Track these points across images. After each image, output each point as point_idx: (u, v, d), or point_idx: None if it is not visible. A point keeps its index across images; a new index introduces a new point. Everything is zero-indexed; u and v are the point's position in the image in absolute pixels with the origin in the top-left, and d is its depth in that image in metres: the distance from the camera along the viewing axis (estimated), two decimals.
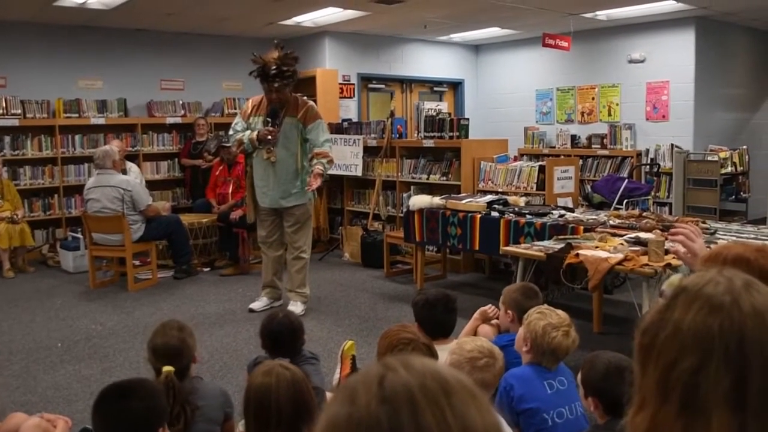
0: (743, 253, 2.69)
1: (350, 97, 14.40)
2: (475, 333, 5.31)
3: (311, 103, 8.79)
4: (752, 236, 6.82)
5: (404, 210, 9.99)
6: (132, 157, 12.59)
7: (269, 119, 8.34)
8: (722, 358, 1.43)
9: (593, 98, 14.27)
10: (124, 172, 11.09)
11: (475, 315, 5.50)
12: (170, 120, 13.39)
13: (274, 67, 8.19)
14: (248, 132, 8.42)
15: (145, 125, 13.17)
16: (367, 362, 5.40)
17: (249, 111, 8.65)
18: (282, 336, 4.62)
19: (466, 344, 3.89)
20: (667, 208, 12.52)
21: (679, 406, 1.46)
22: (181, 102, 13.65)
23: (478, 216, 8.52)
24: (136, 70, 13.36)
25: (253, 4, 11.18)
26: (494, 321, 5.35)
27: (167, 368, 3.86)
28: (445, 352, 4.07)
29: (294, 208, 8.53)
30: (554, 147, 14.55)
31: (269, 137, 8.25)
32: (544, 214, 8.20)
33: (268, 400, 3.32)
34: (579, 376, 3.66)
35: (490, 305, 5.48)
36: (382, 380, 1.17)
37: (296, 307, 8.37)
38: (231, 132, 8.76)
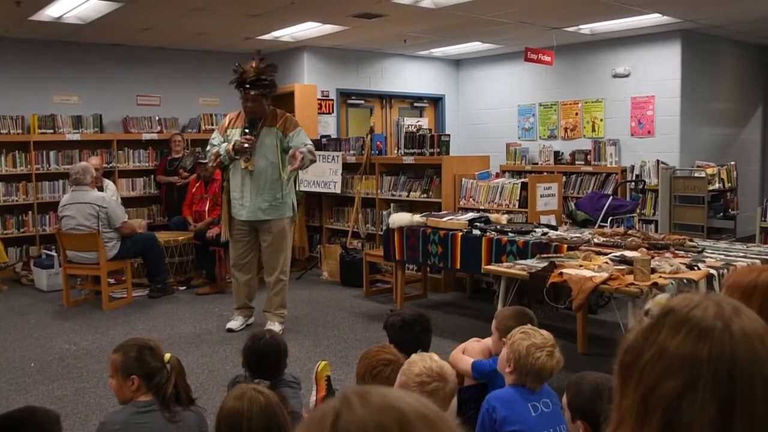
0: None
1: (329, 113, 14.37)
2: (463, 351, 5.24)
3: (289, 114, 8.82)
4: (741, 254, 6.84)
5: (384, 228, 9.98)
6: (107, 174, 12.53)
7: (247, 129, 8.37)
8: (710, 383, 1.42)
9: (577, 114, 14.29)
10: (101, 189, 11.05)
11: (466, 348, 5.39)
12: (146, 136, 13.35)
13: (252, 75, 8.29)
14: (225, 144, 8.44)
15: (120, 141, 13.12)
16: (345, 384, 5.37)
17: (226, 125, 8.69)
18: (267, 357, 4.59)
19: (414, 366, 3.73)
20: (653, 226, 12.50)
21: (660, 428, 1.45)
22: (157, 118, 13.61)
23: (460, 234, 8.51)
24: (112, 85, 13.33)
25: (231, 19, 11.17)
26: (485, 340, 5.28)
27: (168, 355, 4.00)
28: None
29: (272, 223, 8.48)
30: (537, 163, 14.53)
31: (246, 146, 8.25)
32: (527, 232, 8.20)
33: (239, 426, 3.29)
34: (564, 398, 3.59)
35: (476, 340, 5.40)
36: (336, 420, 1.17)
37: (274, 326, 8.35)
38: (208, 147, 8.77)
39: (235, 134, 8.45)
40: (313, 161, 8.58)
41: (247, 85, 8.33)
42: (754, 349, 1.45)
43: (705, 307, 1.51)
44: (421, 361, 3.71)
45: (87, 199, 10.01)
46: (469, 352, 5.15)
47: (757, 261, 6.46)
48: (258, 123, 8.41)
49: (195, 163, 11.80)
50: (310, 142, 8.68)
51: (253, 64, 8.39)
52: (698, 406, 1.42)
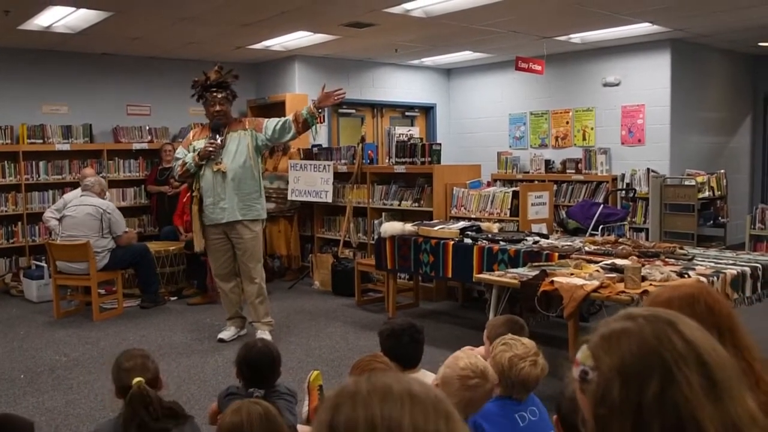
0: (692, 291, 2.86)
1: (320, 123, 14.36)
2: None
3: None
4: (731, 262, 6.85)
5: (375, 237, 9.98)
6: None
7: (212, 135, 8.42)
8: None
9: (567, 122, 14.33)
10: None
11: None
12: (136, 146, 13.33)
13: (215, 77, 8.42)
14: (190, 155, 8.46)
15: (111, 151, 13.10)
16: None
17: (191, 138, 8.74)
18: (261, 366, 4.55)
19: (460, 360, 3.80)
20: (643, 234, 12.55)
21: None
22: (147, 127, 13.60)
23: (451, 243, 8.52)
24: (102, 95, 13.32)
25: (221, 28, 11.19)
26: (477, 349, 5.28)
27: (137, 379, 3.84)
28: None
29: (247, 226, 8.48)
30: (528, 172, 14.58)
31: (211, 149, 8.28)
32: (518, 241, 8.21)
33: None
34: (555, 417, 3.54)
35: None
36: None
37: (264, 335, 8.35)
38: (173, 163, 8.82)
39: (201, 144, 8.45)
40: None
41: (213, 89, 8.41)
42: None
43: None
44: (467, 357, 3.80)
45: (93, 202, 10.14)
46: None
47: (747, 269, 6.49)
48: (222, 129, 8.45)
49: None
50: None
51: (216, 69, 8.50)
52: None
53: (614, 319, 1.74)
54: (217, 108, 8.41)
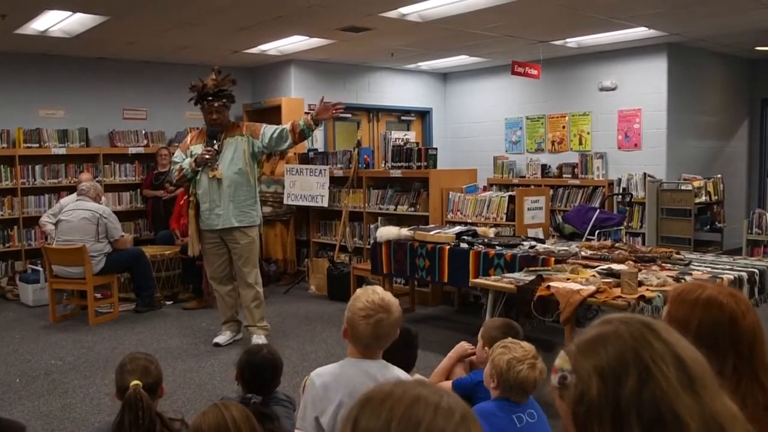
0: (716, 295, 2.78)
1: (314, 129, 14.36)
2: (449, 374, 5.26)
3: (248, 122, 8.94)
4: (728, 267, 6.85)
5: (371, 241, 9.99)
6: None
7: (209, 142, 8.43)
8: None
9: (564, 127, 14.34)
10: None
11: (451, 353, 5.42)
12: (133, 150, 13.34)
13: (212, 87, 8.39)
14: (187, 159, 8.47)
15: (107, 155, 13.11)
16: None
17: (188, 142, 8.75)
18: (264, 372, 4.53)
19: (357, 300, 3.75)
20: (640, 239, 12.56)
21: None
22: (143, 132, 13.60)
23: (447, 247, 8.53)
24: (98, 99, 13.32)
25: (217, 33, 11.19)
26: (468, 359, 5.29)
27: (135, 382, 3.83)
28: None
29: (243, 232, 8.49)
30: (524, 177, 14.59)
31: (207, 156, 8.30)
32: (515, 246, 8.22)
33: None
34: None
35: (467, 344, 5.42)
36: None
37: (260, 340, 8.33)
38: (171, 166, 8.83)
39: (198, 149, 8.47)
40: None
41: (210, 97, 8.40)
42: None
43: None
44: (364, 295, 3.74)
45: (88, 207, 10.14)
46: (453, 375, 5.18)
47: (744, 274, 6.49)
48: (219, 135, 8.46)
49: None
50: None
51: (213, 77, 8.45)
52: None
53: (591, 326, 1.76)
54: (214, 116, 8.41)
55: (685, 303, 2.81)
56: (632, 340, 1.64)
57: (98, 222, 10.02)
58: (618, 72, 13.47)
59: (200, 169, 8.39)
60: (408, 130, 15.50)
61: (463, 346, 5.36)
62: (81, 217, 10.03)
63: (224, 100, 8.46)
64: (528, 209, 9.77)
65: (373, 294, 3.76)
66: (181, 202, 11.62)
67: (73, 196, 10.74)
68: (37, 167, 12.48)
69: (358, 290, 3.89)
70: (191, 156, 8.46)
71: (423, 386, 1.52)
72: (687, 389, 1.58)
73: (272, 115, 13.09)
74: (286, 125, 8.48)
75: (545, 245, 8.37)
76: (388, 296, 3.79)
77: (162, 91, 13.91)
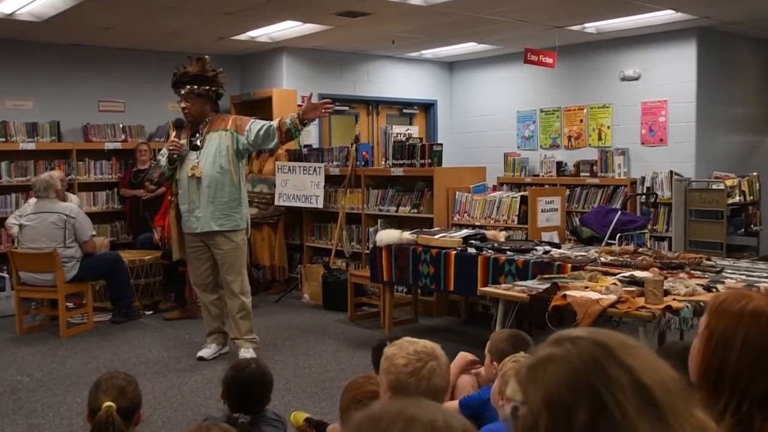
0: (764, 306, 2.67)
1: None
2: (453, 389, 5.21)
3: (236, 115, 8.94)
4: (764, 275, 6.79)
5: (370, 246, 9.97)
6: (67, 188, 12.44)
7: (192, 139, 8.44)
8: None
9: (581, 120, 14.30)
10: None
11: (451, 367, 5.37)
12: (109, 145, 13.28)
13: (184, 72, 8.38)
14: (166, 155, 8.46)
15: (80, 151, 13.05)
16: (328, 418, 5.32)
17: (173, 137, 8.71)
18: (253, 389, 4.50)
19: (397, 358, 3.48)
20: (666, 243, 12.49)
21: None
22: (121, 125, 13.55)
23: (453, 253, 8.51)
24: (71, 89, 13.27)
25: (202, 17, 11.16)
26: (474, 371, 5.25)
27: (108, 403, 3.77)
28: None
29: (226, 237, 8.45)
30: (538, 175, 14.56)
31: (170, 148, 8.32)
32: (527, 251, 8.20)
33: None
34: None
35: (469, 354, 5.37)
36: None
37: (249, 354, 8.30)
38: (150, 162, 8.81)
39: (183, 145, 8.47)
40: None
41: (178, 84, 8.41)
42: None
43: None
44: (401, 350, 3.52)
45: (54, 208, 10.02)
46: (459, 392, 5.12)
47: None
48: (202, 130, 8.44)
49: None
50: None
51: (194, 64, 8.44)
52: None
53: (543, 345, 1.73)
54: (182, 105, 8.42)
55: (728, 315, 2.68)
56: (583, 365, 1.60)
57: (65, 225, 9.94)
58: (641, 60, 13.40)
59: (174, 166, 8.39)
60: (410, 124, 15.54)
61: (464, 355, 5.30)
62: (48, 221, 9.91)
63: (194, 87, 8.35)
64: (542, 211, 9.76)
65: (410, 344, 3.55)
66: (170, 197, 11.60)
67: (31, 204, 10.56)
68: (3, 164, 12.40)
69: (387, 348, 3.63)
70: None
71: (418, 405, 1.50)
72: (649, 419, 1.54)
73: (262, 108, 13.07)
74: (274, 122, 8.43)
75: (561, 250, 8.34)
76: (426, 341, 3.62)
77: (141, 82, 13.85)
